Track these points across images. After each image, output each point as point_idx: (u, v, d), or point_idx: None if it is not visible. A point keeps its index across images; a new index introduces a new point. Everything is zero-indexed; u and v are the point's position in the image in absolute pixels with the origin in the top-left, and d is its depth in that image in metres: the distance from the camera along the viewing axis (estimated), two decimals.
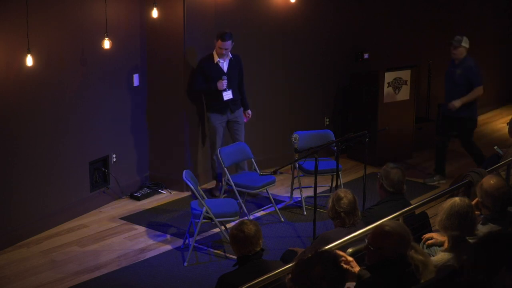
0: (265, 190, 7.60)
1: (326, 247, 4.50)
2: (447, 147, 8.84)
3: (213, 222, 6.82)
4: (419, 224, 5.34)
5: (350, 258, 4.21)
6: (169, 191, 8.44)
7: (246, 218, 7.23)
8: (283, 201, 8.18)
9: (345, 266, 4.10)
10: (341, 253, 4.26)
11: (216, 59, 7.92)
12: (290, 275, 3.27)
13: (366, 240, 4.14)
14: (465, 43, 8.47)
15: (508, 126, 7.29)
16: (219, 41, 7.77)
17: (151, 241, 7.14)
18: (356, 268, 4.13)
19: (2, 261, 6.65)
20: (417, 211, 5.62)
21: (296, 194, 8.15)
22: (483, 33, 11.97)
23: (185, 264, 6.63)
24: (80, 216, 7.67)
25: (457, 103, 8.38)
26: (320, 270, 3.12)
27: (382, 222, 4.16)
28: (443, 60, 11.08)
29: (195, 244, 6.86)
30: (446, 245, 4.56)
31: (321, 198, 7.49)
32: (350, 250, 4.59)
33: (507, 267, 3.28)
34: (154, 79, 8.35)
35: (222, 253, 6.88)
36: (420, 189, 8.53)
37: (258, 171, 7.64)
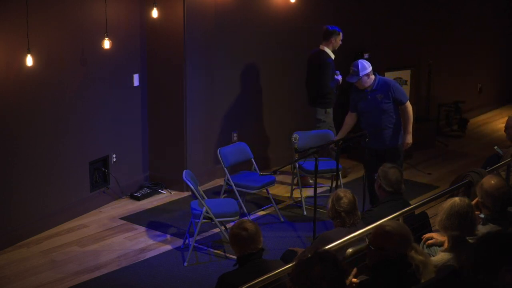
0: (265, 190, 7.60)
1: (326, 247, 4.50)
2: None
3: (213, 222, 6.82)
4: (419, 224, 5.34)
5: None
6: (169, 191, 8.44)
7: (246, 218, 7.23)
8: (283, 201, 8.18)
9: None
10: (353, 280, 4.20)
11: (332, 55, 8.35)
12: (290, 275, 3.27)
13: (367, 240, 4.13)
14: (364, 69, 7.04)
15: (505, 130, 7.29)
16: (340, 34, 8.34)
17: (151, 241, 7.14)
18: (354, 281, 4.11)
19: (2, 261, 6.65)
20: (417, 211, 5.62)
21: (296, 194, 8.15)
22: (483, 33, 11.98)
23: (185, 264, 6.63)
24: (80, 216, 7.67)
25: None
26: (319, 270, 3.12)
27: (382, 222, 4.15)
28: (443, 60, 11.11)
29: (195, 244, 6.86)
30: (446, 245, 4.56)
31: (321, 198, 7.49)
32: (350, 250, 4.59)
33: (507, 267, 3.28)
34: (154, 79, 8.35)
35: (222, 253, 6.88)
36: (420, 189, 8.53)
37: (258, 171, 7.64)
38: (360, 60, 7.09)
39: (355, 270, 4.08)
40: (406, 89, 9.45)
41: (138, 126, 8.41)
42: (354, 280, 4.05)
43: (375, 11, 10.01)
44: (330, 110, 8.42)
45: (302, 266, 3.18)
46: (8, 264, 6.60)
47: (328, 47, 8.33)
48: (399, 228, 3.98)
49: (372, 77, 7.07)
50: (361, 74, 6.98)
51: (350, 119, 7.45)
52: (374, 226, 4.37)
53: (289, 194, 8.28)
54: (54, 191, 7.39)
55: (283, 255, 5.55)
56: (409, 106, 7.15)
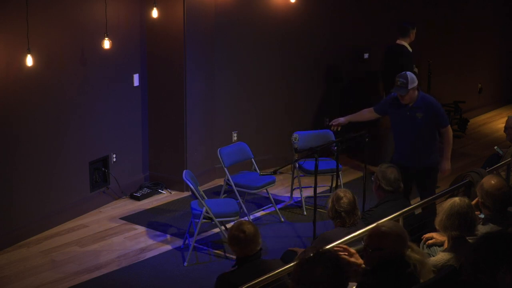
0: (265, 190, 7.60)
1: (326, 247, 4.50)
2: None
3: (213, 222, 6.82)
4: (419, 224, 5.35)
5: (352, 250, 4.20)
6: (169, 191, 8.44)
7: (246, 218, 7.23)
8: (283, 201, 8.18)
9: (348, 258, 4.11)
10: (343, 246, 4.25)
11: (410, 49, 8.67)
12: (291, 275, 3.27)
13: (363, 243, 4.12)
14: (413, 82, 6.52)
15: (505, 130, 7.29)
16: (415, 28, 8.66)
17: (151, 241, 7.14)
18: (360, 260, 4.12)
19: (2, 261, 6.66)
20: (417, 211, 5.63)
21: (296, 194, 8.16)
22: (483, 33, 11.98)
23: (185, 264, 6.63)
24: (80, 216, 7.67)
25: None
26: (321, 270, 3.12)
27: (378, 224, 4.15)
28: (443, 60, 11.11)
29: (195, 244, 6.86)
30: (446, 245, 4.56)
31: (321, 198, 7.49)
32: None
33: (507, 266, 3.28)
34: (154, 79, 8.36)
35: (222, 253, 6.88)
36: None
37: (258, 171, 7.64)
38: (408, 72, 6.52)
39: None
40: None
41: (138, 126, 8.41)
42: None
43: (375, 11, 10.00)
44: None
45: (304, 265, 3.18)
46: (8, 264, 6.60)
47: (405, 41, 8.73)
48: (395, 228, 3.98)
49: (416, 92, 6.52)
50: (409, 86, 6.40)
51: (368, 114, 7.04)
52: (371, 228, 4.37)
53: (289, 194, 8.28)
54: (54, 191, 7.39)
55: (283, 256, 5.55)
56: (449, 130, 6.66)
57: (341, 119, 7.08)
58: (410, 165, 6.56)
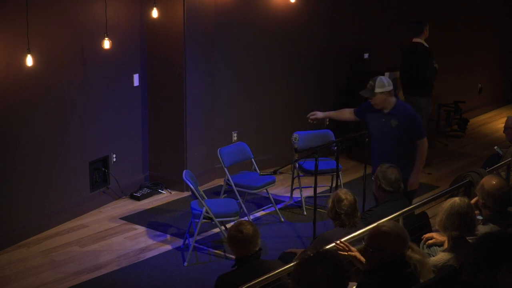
0: (265, 190, 7.60)
1: (326, 247, 4.50)
2: None
3: (213, 222, 6.82)
4: (419, 224, 5.35)
5: (353, 248, 4.20)
6: (169, 191, 8.44)
7: (246, 218, 7.23)
8: (283, 201, 8.18)
9: (348, 253, 4.12)
10: (344, 243, 4.27)
11: (427, 46, 8.80)
12: (292, 275, 3.26)
13: (364, 243, 4.12)
14: (381, 86, 6.32)
15: (505, 131, 7.29)
16: (428, 25, 8.81)
17: (151, 241, 7.14)
18: (361, 258, 4.12)
19: (2, 261, 6.65)
20: (417, 211, 5.62)
21: (296, 194, 8.15)
22: (483, 33, 11.98)
23: (185, 264, 6.63)
24: (80, 216, 7.67)
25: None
26: (321, 270, 3.12)
27: (378, 223, 4.14)
28: (443, 60, 11.10)
29: (195, 244, 6.86)
30: (446, 245, 4.56)
31: (321, 198, 7.49)
32: None
33: (507, 266, 3.29)
34: (154, 79, 8.36)
35: (222, 253, 6.88)
36: (420, 189, 8.51)
37: (258, 171, 7.64)
38: (381, 76, 6.40)
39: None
40: None
41: (138, 126, 8.41)
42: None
43: (375, 11, 10.01)
44: (430, 99, 9.00)
45: (304, 265, 3.18)
46: (8, 264, 6.60)
47: (421, 39, 8.88)
48: (395, 228, 3.98)
49: (391, 99, 6.35)
50: (376, 90, 6.29)
51: (348, 115, 6.86)
52: (371, 228, 4.37)
53: (289, 194, 8.27)
54: (54, 191, 7.38)
55: (280, 258, 5.54)
56: (425, 143, 6.37)
57: (319, 113, 6.93)
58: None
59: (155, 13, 7.92)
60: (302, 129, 8.22)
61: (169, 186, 8.49)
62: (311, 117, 6.94)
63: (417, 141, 6.35)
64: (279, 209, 7.76)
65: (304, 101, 9.45)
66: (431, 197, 5.63)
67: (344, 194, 5.21)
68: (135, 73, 8.22)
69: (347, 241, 4.72)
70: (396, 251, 3.88)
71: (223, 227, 6.93)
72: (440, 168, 9.48)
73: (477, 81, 12.26)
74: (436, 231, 4.87)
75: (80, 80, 7.51)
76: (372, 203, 6.31)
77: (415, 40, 8.94)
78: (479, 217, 4.92)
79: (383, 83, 6.29)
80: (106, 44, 7.34)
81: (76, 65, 7.45)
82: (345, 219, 5.15)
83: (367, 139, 6.83)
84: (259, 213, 7.81)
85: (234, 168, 7.88)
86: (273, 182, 7.58)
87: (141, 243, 7.10)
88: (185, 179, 6.79)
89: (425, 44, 8.91)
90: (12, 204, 6.95)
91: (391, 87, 6.32)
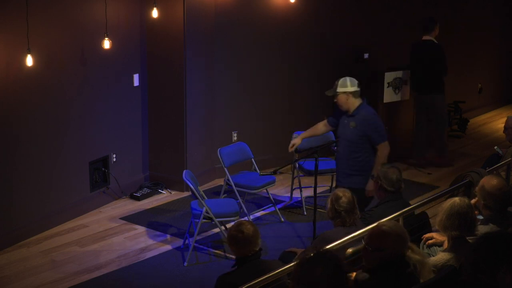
0: (265, 190, 7.60)
1: (326, 247, 4.50)
2: None
3: (213, 222, 6.82)
4: (419, 224, 5.35)
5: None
6: (169, 191, 8.44)
7: (246, 218, 7.23)
8: (283, 201, 8.18)
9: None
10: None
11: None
12: (292, 275, 3.27)
13: (364, 242, 4.12)
14: (343, 86, 6.35)
15: (505, 131, 7.29)
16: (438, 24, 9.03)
17: (151, 241, 7.14)
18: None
19: (2, 261, 6.66)
20: (417, 211, 5.62)
21: (296, 194, 8.15)
22: (483, 33, 11.97)
23: (185, 264, 6.63)
24: (80, 216, 7.67)
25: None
26: (321, 270, 3.12)
27: (379, 223, 4.14)
28: None
29: (195, 244, 6.86)
30: (446, 245, 4.56)
31: (321, 198, 7.49)
32: (350, 250, 4.59)
33: (507, 266, 3.28)
34: (154, 79, 8.36)
35: (222, 253, 6.88)
36: (420, 189, 8.53)
37: (258, 171, 7.64)
38: (346, 77, 6.38)
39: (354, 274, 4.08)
40: (406, 89, 9.47)
41: (138, 126, 8.41)
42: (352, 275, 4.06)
43: (375, 11, 10.00)
44: (444, 94, 9.34)
45: (304, 265, 3.18)
46: (8, 264, 6.60)
47: (432, 36, 9.07)
48: (395, 228, 3.98)
49: (354, 100, 6.32)
50: (338, 90, 6.32)
51: (323, 128, 6.83)
52: (371, 227, 4.37)
53: (289, 194, 8.27)
54: (54, 191, 7.38)
55: (281, 257, 5.55)
56: (383, 148, 6.27)
57: (296, 140, 6.86)
58: (340, 183, 6.42)
59: (155, 13, 7.92)
60: (302, 129, 8.20)
61: (169, 186, 8.49)
62: (291, 149, 6.89)
63: (376, 146, 6.29)
64: (279, 209, 7.76)
65: (304, 101, 9.45)
66: (431, 197, 5.63)
67: (342, 192, 5.25)
68: (135, 73, 8.22)
69: (347, 241, 4.73)
70: (396, 251, 3.88)
71: (223, 227, 6.93)
72: (440, 168, 9.48)
73: (477, 81, 12.25)
74: (436, 231, 4.87)
75: (80, 80, 7.51)
76: (373, 203, 6.30)
77: (426, 37, 9.09)
78: (480, 217, 4.92)
79: (346, 83, 6.32)
80: (106, 44, 7.34)
81: (76, 65, 7.45)
82: (346, 216, 5.16)
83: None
84: (259, 213, 7.81)
85: (234, 168, 7.88)
86: (273, 182, 7.58)
87: (141, 243, 7.10)
88: (185, 179, 6.79)
89: (435, 41, 9.09)
90: (12, 204, 6.95)
91: (354, 88, 6.31)
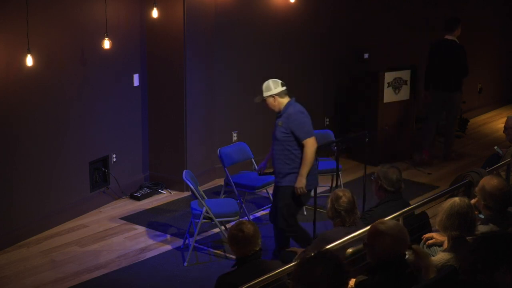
0: (265, 190, 7.60)
1: (326, 247, 4.50)
2: None
3: (213, 222, 6.82)
4: (419, 224, 5.35)
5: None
6: (169, 191, 8.44)
7: (246, 218, 7.23)
8: None
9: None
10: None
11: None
12: (292, 275, 3.27)
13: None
14: (267, 90, 6.34)
15: (505, 131, 7.29)
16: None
17: (151, 241, 7.14)
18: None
19: (2, 261, 6.66)
20: (417, 211, 5.62)
21: None
22: (483, 33, 11.98)
23: (185, 264, 6.63)
24: (80, 216, 7.67)
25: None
26: (321, 270, 3.12)
27: (379, 221, 4.13)
28: None
29: (195, 244, 6.86)
30: (446, 245, 4.56)
31: (321, 198, 7.49)
32: (350, 250, 4.59)
33: (506, 266, 3.28)
34: (154, 79, 8.36)
35: (222, 253, 6.88)
36: (420, 189, 8.53)
37: (258, 171, 7.63)
38: (269, 80, 6.35)
39: (353, 281, 4.08)
40: (406, 89, 9.46)
41: (138, 126, 8.41)
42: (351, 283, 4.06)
43: (375, 11, 10.01)
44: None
45: (304, 265, 3.18)
46: (8, 264, 6.60)
47: (453, 36, 9.20)
48: (392, 230, 3.93)
49: (281, 101, 6.30)
50: (264, 95, 6.30)
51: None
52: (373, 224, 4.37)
53: None
54: (54, 191, 7.38)
55: (282, 256, 5.55)
56: (309, 144, 6.16)
57: (262, 164, 6.90)
58: (275, 179, 6.41)
59: (155, 13, 7.92)
60: None
61: (169, 186, 8.49)
62: (258, 171, 6.94)
63: (302, 143, 6.21)
64: None
65: (304, 101, 9.41)
66: (431, 197, 5.63)
67: (342, 191, 5.25)
68: (135, 73, 8.22)
69: (347, 241, 4.73)
70: (388, 252, 3.88)
71: (223, 227, 6.93)
72: (440, 168, 9.48)
73: (477, 81, 12.25)
74: (436, 231, 4.87)
75: (80, 80, 7.51)
76: (372, 203, 6.31)
77: (448, 37, 9.20)
78: (481, 216, 4.92)
79: (270, 87, 6.29)
80: (106, 44, 7.33)
81: (76, 65, 7.45)
82: (345, 215, 5.15)
83: (367, 139, 6.83)
84: (259, 213, 7.81)
85: (234, 168, 7.88)
86: (273, 182, 7.57)
87: (141, 243, 7.10)
88: (185, 179, 6.79)
89: (457, 41, 9.21)
90: (12, 204, 6.95)
91: (278, 89, 6.28)
